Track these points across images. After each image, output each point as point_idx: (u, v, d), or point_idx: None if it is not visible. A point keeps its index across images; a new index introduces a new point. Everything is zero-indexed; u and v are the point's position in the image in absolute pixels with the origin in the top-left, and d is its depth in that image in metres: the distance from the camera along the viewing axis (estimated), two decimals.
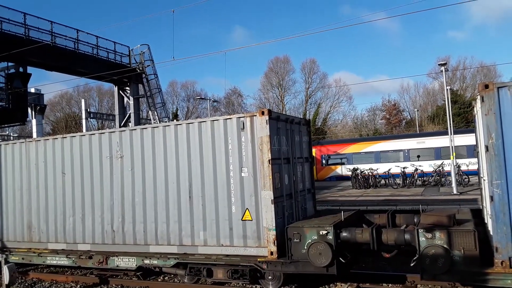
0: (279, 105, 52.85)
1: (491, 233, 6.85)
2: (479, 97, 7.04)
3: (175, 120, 37.41)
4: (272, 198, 8.07)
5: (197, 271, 8.97)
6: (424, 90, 49.93)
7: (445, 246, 6.86)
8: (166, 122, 28.25)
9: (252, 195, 8.37)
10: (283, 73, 55.05)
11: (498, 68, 45.10)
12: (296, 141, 9.58)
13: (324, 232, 7.70)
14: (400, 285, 8.48)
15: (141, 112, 33.66)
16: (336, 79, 57.35)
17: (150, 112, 30.60)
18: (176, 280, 9.88)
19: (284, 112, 43.60)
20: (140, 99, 31.49)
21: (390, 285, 8.52)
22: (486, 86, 6.74)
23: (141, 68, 29.32)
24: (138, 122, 29.56)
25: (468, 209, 8.69)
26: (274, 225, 8.04)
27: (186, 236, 8.97)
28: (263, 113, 8.32)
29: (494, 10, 62.44)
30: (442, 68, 20.79)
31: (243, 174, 8.49)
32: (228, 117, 8.82)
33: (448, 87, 27.31)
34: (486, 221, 8.01)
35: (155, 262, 9.31)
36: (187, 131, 9.12)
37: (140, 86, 30.27)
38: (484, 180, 7.73)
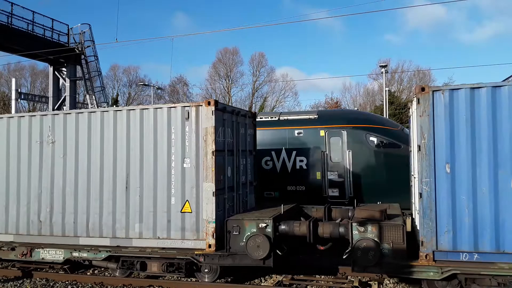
0: (225, 96, 52.59)
1: (418, 228, 7.29)
2: (415, 99, 7.42)
3: (114, 106, 35.76)
4: (214, 190, 7.97)
5: (130, 264, 8.67)
6: (364, 90, 52.20)
7: (375, 239, 7.19)
8: (104, 107, 26.94)
9: (193, 186, 8.21)
10: (231, 64, 54.78)
11: (432, 73, 48.21)
12: (241, 134, 9.53)
13: (264, 225, 7.75)
14: (332, 277, 8.79)
15: (77, 96, 31.80)
16: (283, 74, 58.18)
17: (87, 96, 28.96)
18: (106, 273, 9.48)
19: (230, 104, 43.48)
20: (78, 82, 29.69)
21: (322, 276, 8.81)
22: (423, 89, 7.11)
23: (80, 49, 27.60)
24: (74, 106, 27.88)
25: (398, 205, 9.18)
26: (214, 217, 7.95)
27: (120, 228, 8.61)
28: (209, 103, 8.16)
29: (426, 17, 66.55)
30: (383, 70, 21.80)
31: (185, 165, 8.29)
32: (173, 105, 8.55)
33: (387, 89, 28.72)
34: (413, 217, 8.51)
35: (84, 255, 8.86)
36: (128, 118, 8.73)
37: (78, 68, 28.47)
38: (414, 177, 8.19)
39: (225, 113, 8.65)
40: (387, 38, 70.95)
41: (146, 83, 48.03)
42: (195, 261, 8.11)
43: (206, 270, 8.43)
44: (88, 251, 8.80)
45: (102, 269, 9.60)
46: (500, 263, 6.57)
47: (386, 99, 24.41)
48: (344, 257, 7.59)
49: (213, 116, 8.09)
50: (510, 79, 27.58)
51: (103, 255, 8.71)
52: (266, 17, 72.92)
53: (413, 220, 8.60)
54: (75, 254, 8.92)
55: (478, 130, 6.83)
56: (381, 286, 8.22)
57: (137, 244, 8.46)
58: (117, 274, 9.00)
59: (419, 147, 7.13)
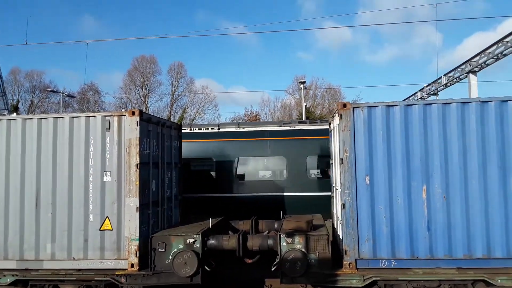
0: (142, 106, 50.60)
1: (341, 237, 7.65)
2: (337, 114, 7.83)
3: (15, 114, 32.36)
4: (138, 206, 7.54)
5: None
6: (282, 104, 54.08)
7: (303, 250, 7.37)
8: (5, 115, 24.25)
9: (114, 202, 7.69)
10: (148, 73, 52.89)
11: (342, 90, 51.75)
12: (167, 145, 9.20)
13: (192, 240, 7.51)
14: None
15: None
16: (203, 85, 57.78)
17: None
18: None
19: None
20: None
21: None
22: (344, 106, 7.54)
23: None
24: None
25: (320, 215, 9.55)
26: (137, 234, 7.51)
27: (29, 249, 7.74)
28: (133, 113, 7.75)
29: (334, 38, 71.80)
30: (302, 86, 22.87)
31: (105, 179, 7.74)
32: (92, 114, 7.98)
33: (305, 103, 30.12)
34: (336, 227, 8.92)
35: None
36: (39, 127, 7.96)
37: None
38: (336, 189, 8.61)
39: (150, 124, 8.30)
40: (299, 56, 74.67)
41: (54, 90, 44.35)
42: (116, 282, 7.56)
43: None
44: None
45: None
46: (415, 268, 7.14)
47: (304, 114, 25.60)
48: (272, 269, 7.64)
49: (138, 127, 7.71)
50: (412, 97, 30.76)
51: (8, 280, 7.74)
52: (181, 27, 71.98)
53: (334, 230, 9.02)
54: None
55: (393, 144, 7.40)
56: None
57: (49, 266, 7.67)
58: None
59: (341, 160, 7.52)
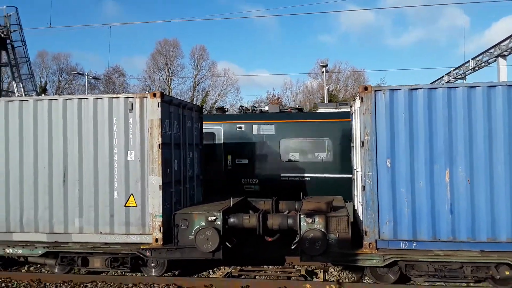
0: (165, 89, 51.10)
1: (361, 218, 7.67)
2: (358, 97, 7.75)
3: (43, 95, 33.20)
4: (161, 184, 7.74)
5: (70, 260, 8.20)
6: (304, 88, 53.55)
7: (322, 230, 7.44)
8: (33, 96, 24.99)
9: (138, 180, 7.92)
10: (171, 56, 53.13)
11: (366, 74, 50.74)
12: (188, 127, 9.34)
13: (213, 218, 7.69)
14: (280, 267, 8.96)
15: (1, 83, 29.16)
16: (225, 68, 57.79)
17: (14, 83, 26.70)
18: (44, 270, 8.87)
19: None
20: (2, 68, 27.24)
21: (270, 267, 8.95)
22: (366, 89, 7.46)
23: (5, 33, 25.29)
24: None
25: (341, 197, 9.57)
26: (161, 211, 7.74)
27: (58, 223, 8.10)
28: (155, 95, 7.89)
29: (356, 21, 69.83)
30: (323, 69, 22.59)
31: (129, 158, 7.96)
32: (115, 96, 8.16)
33: (327, 87, 29.78)
34: (356, 208, 8.93)
35: (19, 251, 8.21)
36: (64, 108, 8.21)
37: (4, 53, 26.14)
38: (357, 171, 8.59)
39: (171, 106, 8.43)
40: (321, 39, 73.23)
41: (80, 72, 45.24)
42: (141, 255, 7.84)
43: (153, 265, 8.23)
44: (23, 247, 8.17)
45: (39, 265, 8.97)
46: (436, 250, 7.12)
47: (326, 97, 25.35)
48: (292, 247, 7.76)
49: (159, 108, 7.85)
50: (439, 81, 29.94)
51: (39, 251, 8.13)
52: (202, 10, 71.52)
53: (355, 211, 9.04)
54: (9, 250, 8.24)
55: (415, 127, 7.31)
56: (327, 274, 8.53)
57: (77, 239, 8.02)
58: (55, 271, 8.43)
59: (362, 142, 7.48)
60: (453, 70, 28.32)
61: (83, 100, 8.18)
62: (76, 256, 8.12)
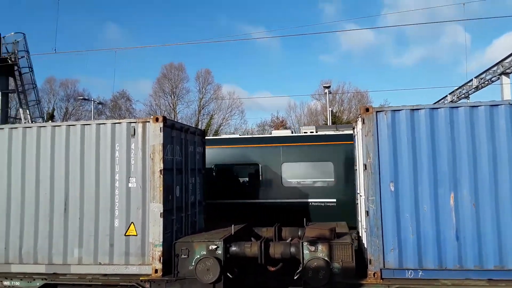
0: (171, 113, 51.53)
1: (365, 246, 7.47)
2: (360, 118, 7.69)
3: (50, 121, 33.65)
4: (162, 211, 7.65)
5: None
6: (308, 110, 53.73)
7: (326, 258, 7.25)
8: (40, 122, 25.24)
9: (139, 207, 7.82)
10: (176, 80, 53.85)
11: (370, 95, 50.85)
12: (190, 152, 9.30)
13: (214, 247, 7.54)
14: None
15: (9, 110, 29.55)
16: (229, 91, 58.25)
17: (21, 110, 27.04)
18: None
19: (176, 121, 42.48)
20: (10, 95, 27.65)
21: None
22: (367, 110, 7.40)
23: (13, 59, 25.79)
24: (5, 121, 25.83)
25: (345, 223, 9.38)
26: (161, 240, 7.61)
27: (58, 254, 7.98)
28: (157, 119, 7.88)
29: (357, 40, 70.61)
30: (326, 90, 22.65)
31: (130, 185, 7.90)
32: (117, 121, 8.18)
33: (331, 108, 29.82)
34: (360, 235, 8.73)
35: (17, 283, 8.07)
36: (67, 134, 8.22)
37: (11, 80, 26.59)
38: (360, 196, 8.44)
39: (173, 130, 8.42)
40: (322, 59, 73.89)
41: (86, 98, 45.86)
42: (140, 287, 7.67)
43: None
44: (21, 279, 8.04)
45: None
46: (442, 279, 6.87)
47: (329, 119, 25.33)
48: (295, 277, 7.54)
49: (161, 133, 7.83)
50: (442, 101, 29.86)
51: (38, 284, 7.99)
52: (204, 33, 72.68)
53: (360, 238, 8.82)
54: (6, 283, 8.10)
55: (418, 149, 7.18)
56: None
57: (76, 270, 7.87)
58: None
59: (365, 166, 7.36)
60: (456, 89, 28.28)
61: (86, 126, 8.20)
62: None
